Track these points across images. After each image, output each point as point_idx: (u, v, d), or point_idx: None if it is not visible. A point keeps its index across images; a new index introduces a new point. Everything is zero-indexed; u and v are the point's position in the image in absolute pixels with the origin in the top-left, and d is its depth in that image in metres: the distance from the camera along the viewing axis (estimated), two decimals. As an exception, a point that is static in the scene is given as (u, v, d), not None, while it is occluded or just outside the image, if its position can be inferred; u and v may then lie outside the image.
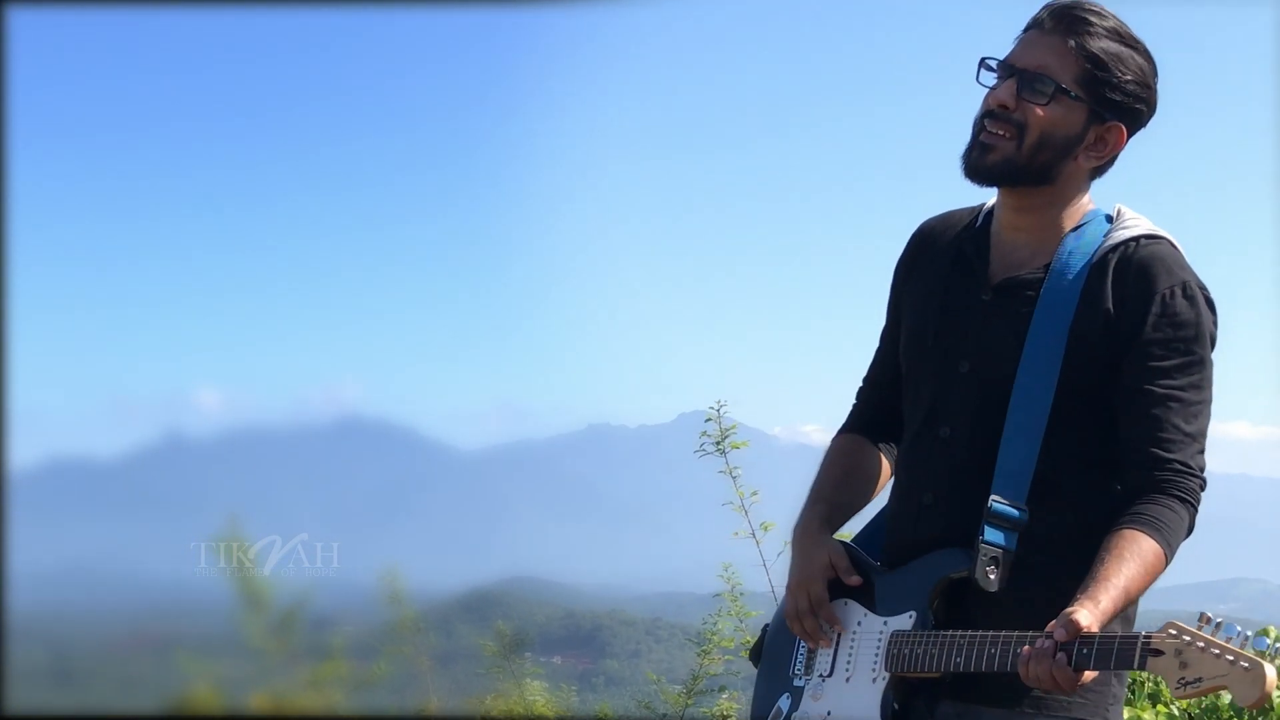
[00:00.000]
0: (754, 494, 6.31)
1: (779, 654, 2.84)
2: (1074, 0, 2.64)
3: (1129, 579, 2.37)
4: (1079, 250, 2.60)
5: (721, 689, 6.49)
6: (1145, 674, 5.73)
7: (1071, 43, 2.60)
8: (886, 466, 3.00)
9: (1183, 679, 2.20)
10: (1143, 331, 2.51)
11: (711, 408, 6.49)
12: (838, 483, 2.99)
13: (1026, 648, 2.38)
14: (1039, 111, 2.59)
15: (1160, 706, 5.37)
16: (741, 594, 6.53)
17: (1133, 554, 2.39)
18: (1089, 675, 2.34)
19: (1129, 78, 2.59)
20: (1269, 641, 2.20)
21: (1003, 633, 2.46)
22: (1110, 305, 2.54)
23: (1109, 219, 2.66)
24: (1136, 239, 2.58)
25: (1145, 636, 2.26)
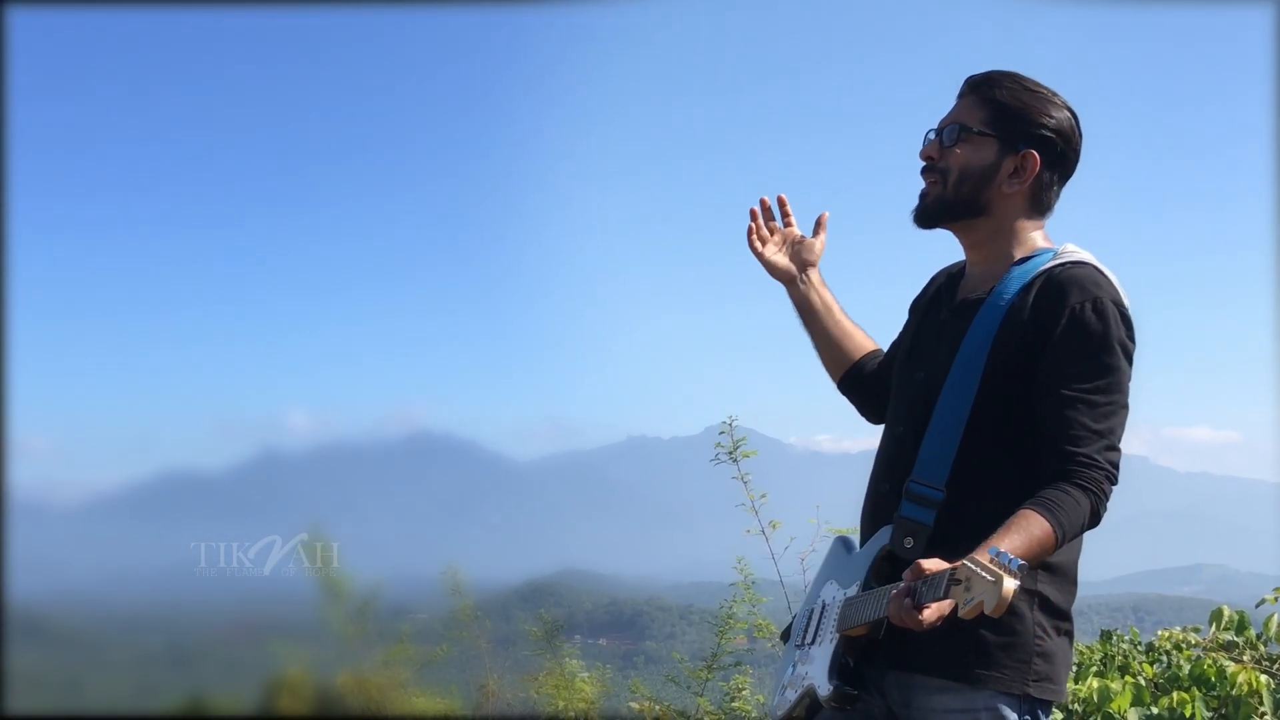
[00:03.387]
0: (763, 496, 6.37)
1: (796, 629, 2.88)
2: (993, 70, 2.75)
3: (1009, 545, 2.33)
4: (1018, 276, 2.63)
5: (737, 664, 6.54)
6: (1115, 649, 5.72)
7: (978, 96, 2.71)
8: (864, 347, 3.09)
9: (969, 599, 2.19)
10: (1053, 340, 2.52)
11: (725, 422, 6.57)
12: (838, 312, 3.12)
13: (894, 591, 2.39)
14: (956, 152, 2.68)
15: (1128, 677, 5.35)
16: (754, 582, 6.57)
17: (1020, 528, 2.38)
18: (930, 614, 2.31)
19: (1032, 113, 2.65)
20: (1022, 563, 2.19)
21: (885, 586, 2.48)
22: (1027, 318, 2.56)
23: (1055, 255, 2.67)
24: (1061, 264, 2.61)
25: (952, 569, 2.25)
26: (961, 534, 2.45)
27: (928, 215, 2.73)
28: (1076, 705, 4.88)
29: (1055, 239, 2.73)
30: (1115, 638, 5.90)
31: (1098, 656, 5.66)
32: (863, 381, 3.06)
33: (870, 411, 3.07)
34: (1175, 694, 5.05)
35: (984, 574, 2.18)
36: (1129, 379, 2.54)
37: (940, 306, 2.79)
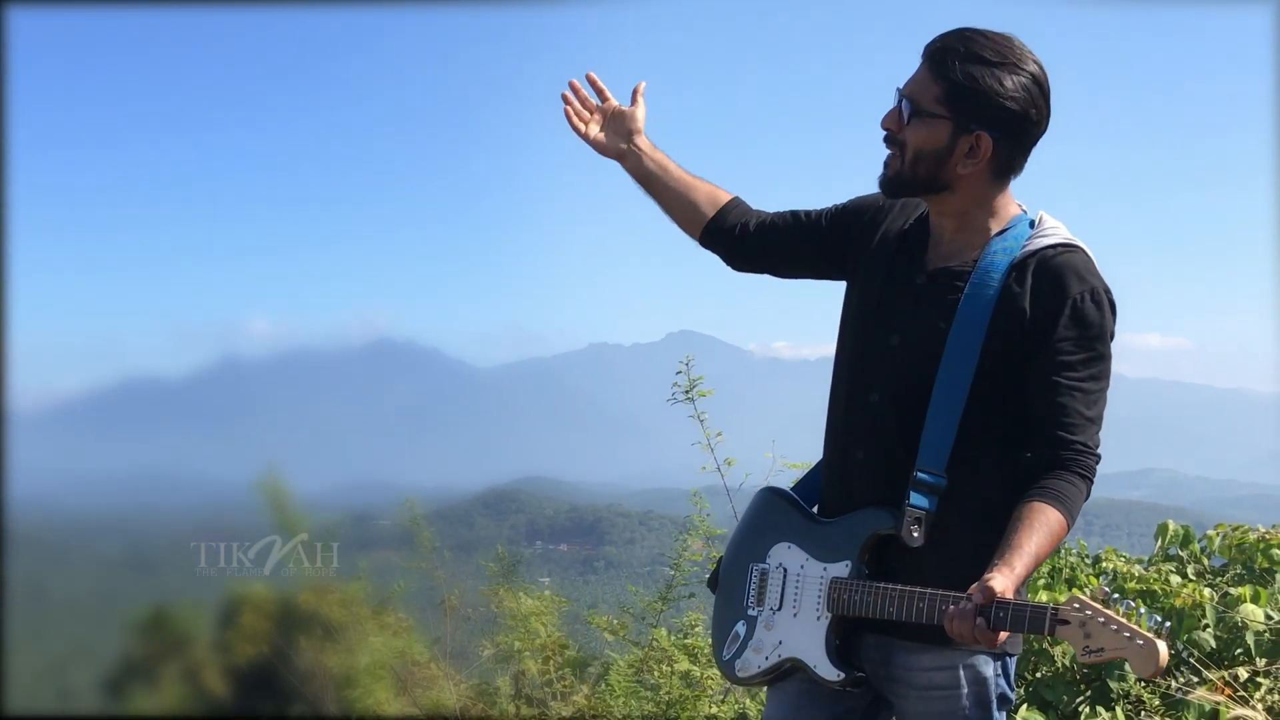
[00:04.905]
0: (719, 435, 6.38)
1: (733, 585, 2.87)
2: (951, 31, 2.67)
3: (1038, 545, 2.43)
4: (1003, 251, 2.62)
5: (690, 595, 6.60)
6: (1062, 561, 5.79)
7: (933, 71, 2.63)
8: (717, 198, 3.06)
9: (1087, 648, 2.25)
10: (1055, 331, 2.54)
11: (681, 362, 6.54)
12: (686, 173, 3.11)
13: (952, 607, 2.43)
14: (910, 131, 2.65)
15: (1075, 590, 5.42)
16: (709, 515, 6.61)
17: (1041, 524, 2.45)
18: (1004, 635, 2.40)
19: (985, 93, 2.59)
20: (1159, 620, 2.25)
21: (929, 590, 2.51)
22: (1026, 306, 2.56)
23: (1032, 224, 2.67)
24: (1054, 246, 2.60)
25: (1054, 608, 2.31)
26: (958, 519, 2.53)
27: (891, 186, 2.71)
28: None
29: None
30: (1063, 550, 5.97)
31: (1045, 569, 5.72)
32: (726, 233, 3.02)
33: (740, 260, 3.05)
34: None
35: (1117, 629, 2.22)
36: (1112, 361, 2.61)
37: (911, 262, 2.75)
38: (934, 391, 2.60)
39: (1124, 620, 2.23)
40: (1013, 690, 2.64)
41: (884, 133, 2.70)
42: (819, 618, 2.66)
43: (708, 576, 2.99)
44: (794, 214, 2.98)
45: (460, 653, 6.65)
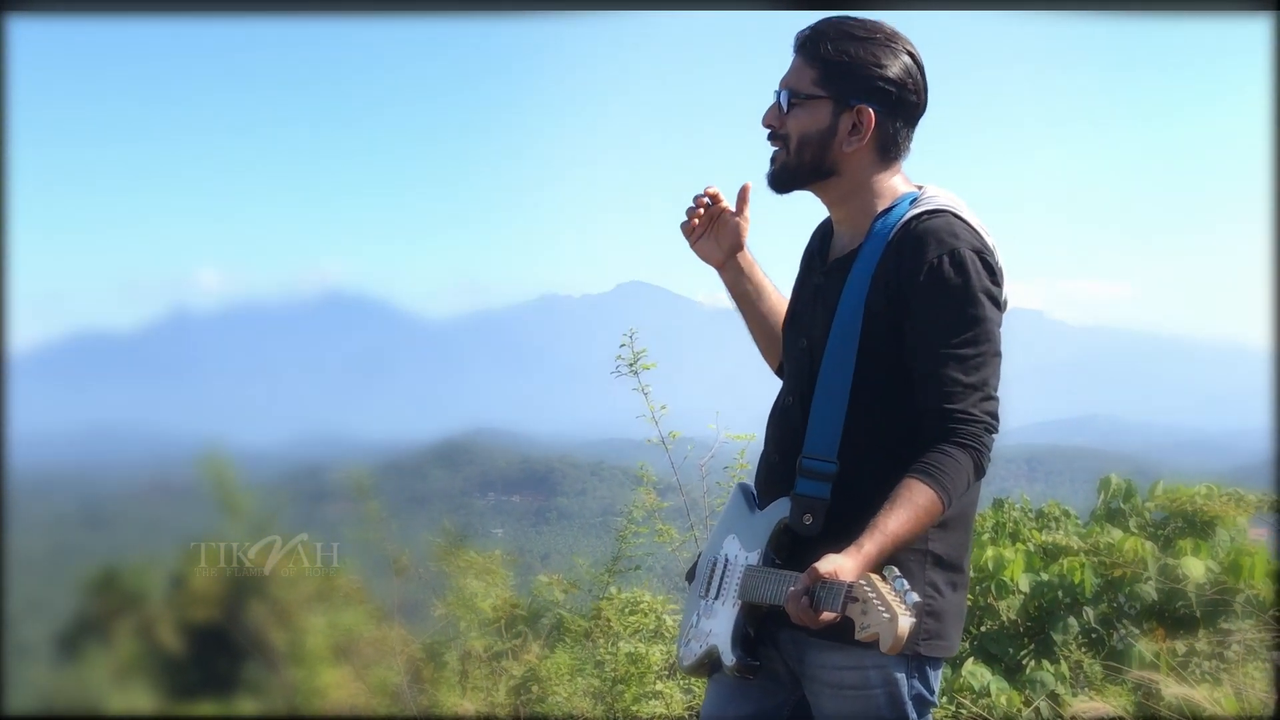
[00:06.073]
0: (663, 408, 6.41)
1: (699, 576, 2.87)
2: (819, 19, 2.67)
3: (898, 523, 2.38)
4: (883, 230, 2.60)
5: (636, 568, 6.61)
6: (1006, 516, 5.85)
7: (806, 56, 2.64)
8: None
9: (864, 625, 2.25)
10: (918, 299, 2.50)
11: (625, 335, 6.54)
12: (770, 290, 3.04)
13: (792, 588, 2.42)
14: (792, 120, 2.64)
15: (1019, 544, 5.48)
16: (655, 484, 6.62)
17: (905, 501, 2.41)
18: (827, 616, 2.35)
19: (861, 66, 2.59)
20: (915, 597, 2.24)
21: (788, 573, 2.50)
22: (891, 278, 2.54)
23: (914, 202, 2.64)
24: (920, 215, 2.57)
25: (849, 587, 2.29)
26: (857, 505, 2.47)
27: (779, 181, 2.69)
28: (973, 573, 5.01)
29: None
30: (1006, 505, 6.02)
31: (990, 524, 5.78)
32: None
33: None
34: (1065, 560, 5.21)
35: (879, 605, 2.21)
36: (999, 324, 2.54)
37: (814, 268, 2.76)
38: (818, 380, 2.58)
39: (889, 598, 2.22)
40: (932, 693, 2.59)
41: (767, 131, 2.69)
42: (733, 604, 2.68)
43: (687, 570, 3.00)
44: None
45: (412, 608, 6.63)
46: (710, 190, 3.00)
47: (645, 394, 6.36)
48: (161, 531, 5.95)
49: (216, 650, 5.75)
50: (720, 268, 3.00)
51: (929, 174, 2.69)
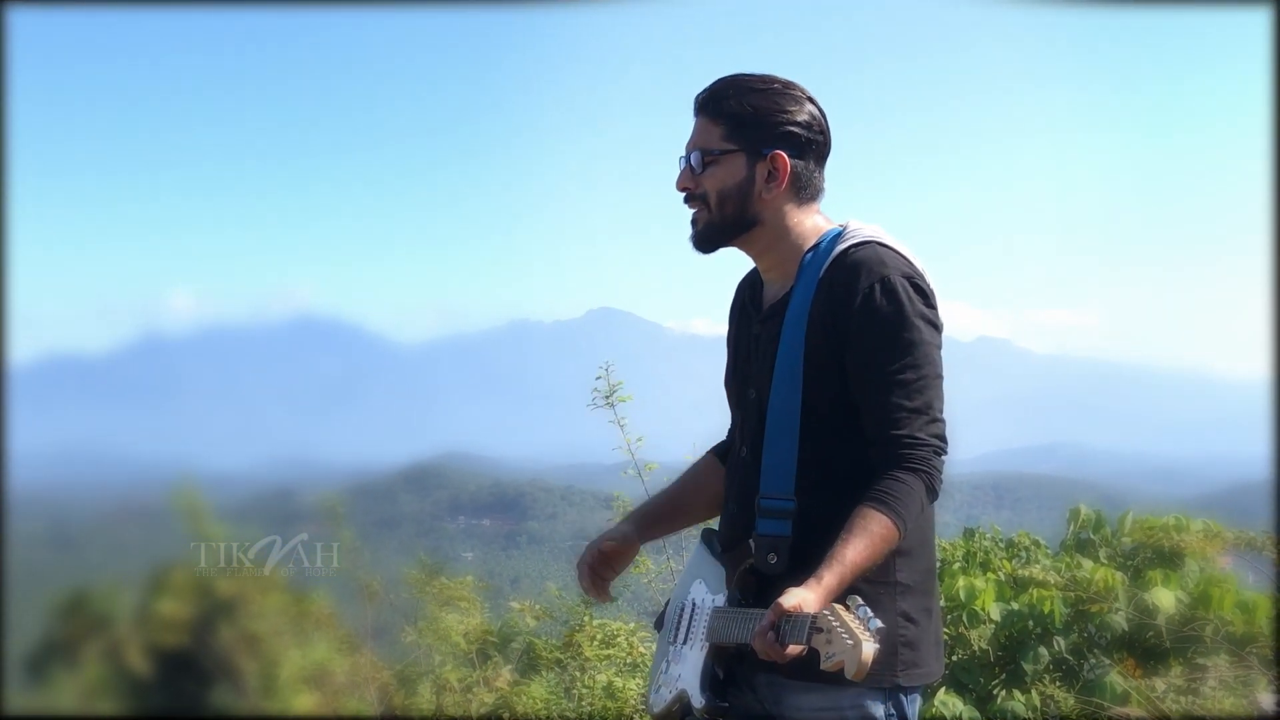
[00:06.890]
0: (639, 439, 6.39)
1: (668, 622, 2.87)
2: (714, 81, 2.71)
3: (855, 553, 2.37)
4: (812, 268, 2.62)
5: (614, 599, 6.58)
6: (976, 545, 5.83)
7: (710, 115, 2.68)
8: (710, 497, 3.00)
9: (829, 654, 2.22)
10: (851, 330, 2.52)
11: (601, 367, 6.52)
12: (669, 496, 3.09)
13: (759, 625, 2.39)
14: (707, 178, 2.67)
15: (990, 574, 5.47)
16: (628, 511, 6.61)
17: (861, 530, 2.40)
18: (794, 649, 2.32)
19: (767, 115, 2.63)
20: (878, 625, 2.21)
21: (755, 610, 2.47)
22: (826, 314, 2.56)
23: (839, 236, 2.66)
24: (849, 249, 2.60)
25: (814, 618, 2.26)
26: (820, 538, 2.45)
27: (705, 240, 2.71)
28: (944, 603, 4.99)
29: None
30: (977, 535, 6.00)
31: (960, 554, 5.76)
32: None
33: None
34: (1035, 590, 5.20)
35: (843, 633, 2.19)
36: (938, 346, 2.54)
37: (749, 318, 2.77)
38: (767, 422, 2.59)
39: (853, 626, 2.20)
40: None
41: (682, 195, 2.70)
42: (701, 648, 2.66)
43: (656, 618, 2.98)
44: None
45: (384, 632, 6.58)
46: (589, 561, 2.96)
47: (621, 426, 6.34)
48: (131, 554, 5.91)
49: (185, 675, 5.70)
50: (634, 550, 3.01)
51: (909, 201, 2.69)
